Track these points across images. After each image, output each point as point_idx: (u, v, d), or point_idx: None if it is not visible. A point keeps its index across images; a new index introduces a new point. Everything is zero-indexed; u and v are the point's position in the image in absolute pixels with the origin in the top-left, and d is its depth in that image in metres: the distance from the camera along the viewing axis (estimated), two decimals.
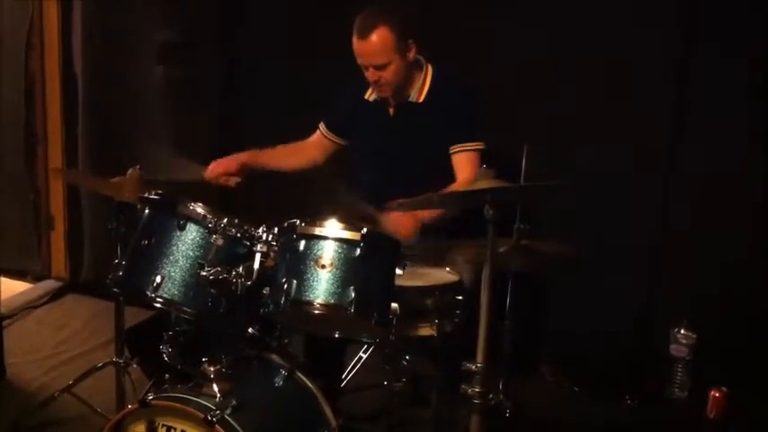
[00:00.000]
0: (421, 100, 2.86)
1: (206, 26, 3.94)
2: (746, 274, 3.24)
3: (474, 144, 2.81)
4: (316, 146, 3.15)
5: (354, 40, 2.72)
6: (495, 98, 3.20)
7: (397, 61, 2.74)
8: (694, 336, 3.25)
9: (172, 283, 2.20)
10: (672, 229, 3.35)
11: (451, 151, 2.82)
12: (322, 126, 3.12)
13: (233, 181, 2.96)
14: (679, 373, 3.29)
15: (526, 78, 3.40)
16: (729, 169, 3.22)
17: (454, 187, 2.70)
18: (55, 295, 4.30)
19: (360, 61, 2.76)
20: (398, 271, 2.22)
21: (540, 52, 3.39)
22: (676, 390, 3.30)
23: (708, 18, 3.16)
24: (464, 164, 2.80)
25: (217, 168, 2.95)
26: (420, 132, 2.84)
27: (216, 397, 2.13)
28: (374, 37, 2.69)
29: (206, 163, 2.97)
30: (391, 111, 2.92)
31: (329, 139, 3.11)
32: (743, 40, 3.13)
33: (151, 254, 2.24)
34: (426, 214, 2.64)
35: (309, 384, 2.36)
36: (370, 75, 2.77)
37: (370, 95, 2.94)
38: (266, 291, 2.20)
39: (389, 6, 2.77)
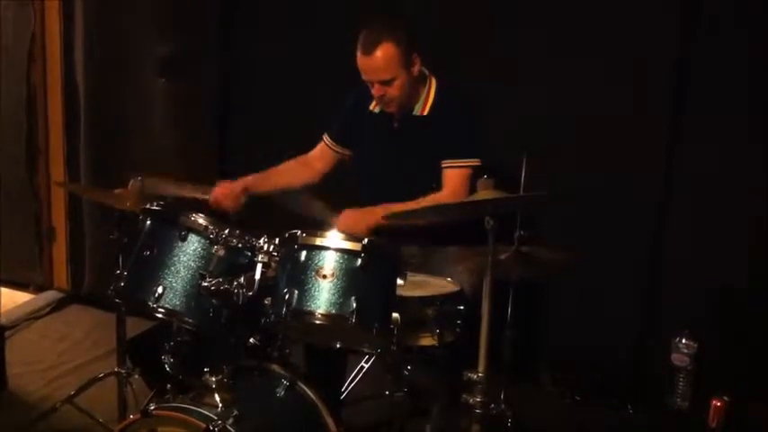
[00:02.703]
0: (425, 113, 2.86)
1: (206, 38, 3.95)
2: (748, 283, 3.24)
3: (465, 161, 2.79)
4: (320, 158, 3.13)
5: (359, 56, 2.72)
6: (493, 100, 3.22)
7: (402, 76, 2.73)
8: (695, 345, 3.25)
9: (173, 293, 2.21)
10: (672, 236, 3.35)
11: (442, 166, 2.81)
12: (326, 137, 3.10)
13: (236, 209, 2.92)
14: (680, 383, 3.28)
15: (525, 79, 3.40)
16: (730, 171, 3.22)
17: (432, 201, 2.71)
18: (56, 306, 4.31)
19: (365, 77, 2.76)
20: (399, 281, 2.23)
21: (540, 53, 3.39)
22: (678, 399, 3.30)
23: (708, 18, 3.17)
24: (449, 180, 2.79)
25: (222, 191, 2.92)
26: (422, 145, 2.84)
27: (217, 407, 2.14)
28: (379, 53, 2.68)
29: (210, 184, 2.96)
30: (395, 123, 2.92)
31: (334, 150, 3.10)
32: (743, 39, 3.13)
33: (153, 264, 2.24)
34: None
35: (311, 394, 2.36)
36: (375, 90, 2.77)
37: (374, 107, 2.94)
38: (267, 301, 2.20)
39: (394, 21, 2.78)
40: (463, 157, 2.80)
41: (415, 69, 2.78)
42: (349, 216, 2.70)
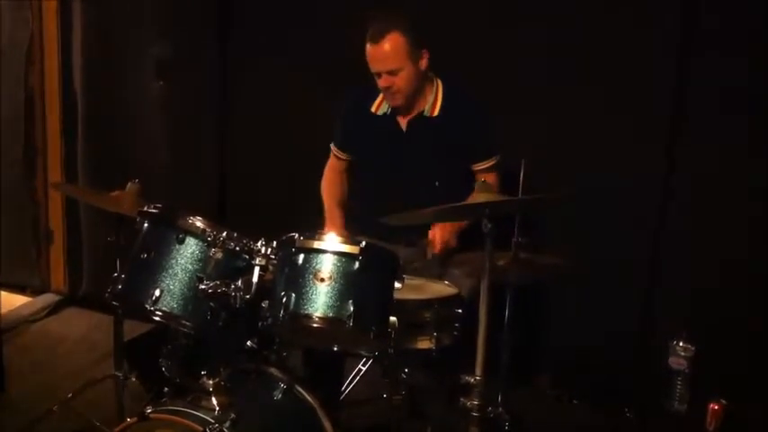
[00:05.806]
0: (435, 114, 2.87)
1: (205, 39, 3.95)
2: (746, 286, 3.24)
3: (493, 160, 2.89)
4: (336, 168, 3.15)
5: (367, 45, 2.74)
6: (493, 101, 3.21)
7: (409, 67, 2.74)
8: (693, 348, 3.25)
9: (171, 296, 2.21)
10: (670, 240, 3.34)
11: (475, 169, 2.87)
12: (332, 146, 3.12)
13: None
14: (678, 386, 3.28)
15: (525, 79, 3.40)
16: (730, 171, 3.21)
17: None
18: (54, 309, 4.31)
19: (372, 67, 2.77)
20: (397, 284, 2.23)
21: (539, 53, 3.38)
22: (675, 402, 3.29)
23: (708, 18, 3.16)
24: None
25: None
26: (436, 147, 2.85)
27: (214, 410, 2.13)
28: (387, 42, 2.71)
29: None
30: (403, 125, 2.92)
31: (341, 159, 3.11)
32: (743, 39, 3.13)
33: (150, 267, 2.24)
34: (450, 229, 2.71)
35: (308, 398, 2.36)
36: (382, 81, 2.77)
37: (377, 109, 2.94)
38: (265, 304, 2.20)
39: (402, 13, 2.80)
40: (487, 158, 2.89)
41: (423, 63, 2.80)
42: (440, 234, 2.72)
